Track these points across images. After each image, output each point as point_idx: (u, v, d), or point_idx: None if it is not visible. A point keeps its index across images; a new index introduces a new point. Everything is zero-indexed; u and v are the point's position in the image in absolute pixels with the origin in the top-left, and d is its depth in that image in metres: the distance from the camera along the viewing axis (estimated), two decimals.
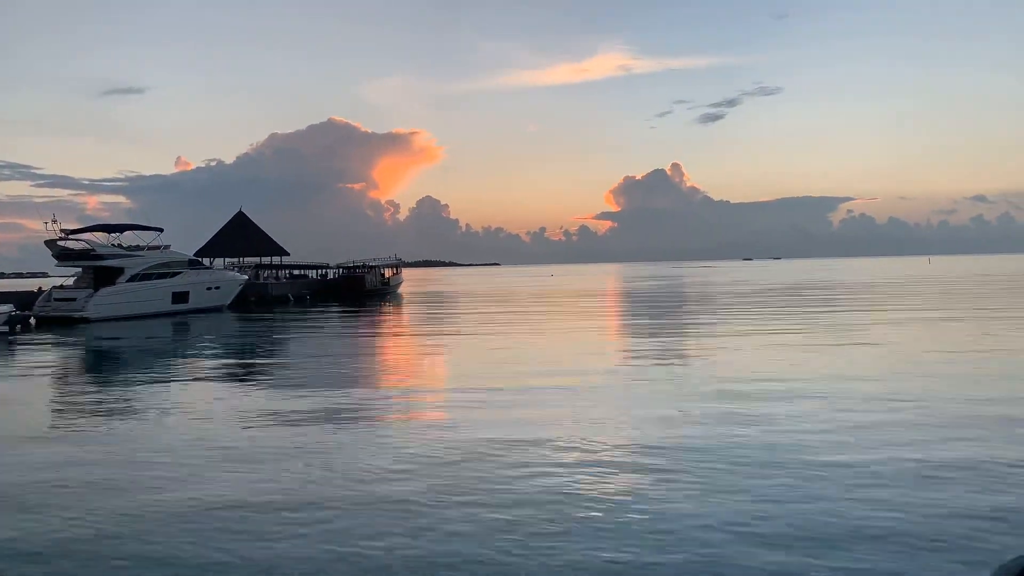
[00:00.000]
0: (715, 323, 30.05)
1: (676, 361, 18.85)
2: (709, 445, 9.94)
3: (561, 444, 10.24)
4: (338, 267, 71.22)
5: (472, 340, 26.14)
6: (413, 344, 26.41)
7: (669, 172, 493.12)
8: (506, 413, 12.52)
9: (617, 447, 10.02)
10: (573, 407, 12.81)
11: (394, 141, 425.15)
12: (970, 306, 34.72)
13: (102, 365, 22.90)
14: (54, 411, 14.42)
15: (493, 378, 16.69)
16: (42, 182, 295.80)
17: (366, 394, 15.00)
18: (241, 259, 68.67)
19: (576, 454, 9.71)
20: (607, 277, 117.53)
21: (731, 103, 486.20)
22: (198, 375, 18.96)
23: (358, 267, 70.09)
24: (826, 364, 17.23)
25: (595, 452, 9.77)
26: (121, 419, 13.07)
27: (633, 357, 20.28)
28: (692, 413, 12.08)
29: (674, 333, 26.46)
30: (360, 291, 64.63)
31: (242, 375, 19.18)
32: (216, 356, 23.76)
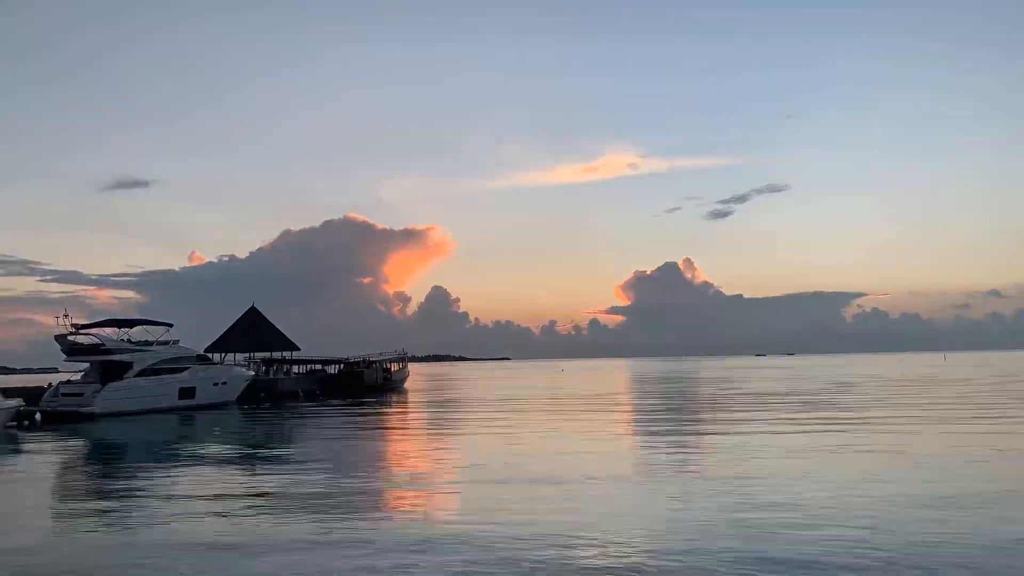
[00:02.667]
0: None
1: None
2: None
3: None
4: (337, 362, 71.50)
5: (466, 444, 26.10)
6: (398, 446, 26.38)
7: (681, 266, 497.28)
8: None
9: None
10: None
11: (408, 237, 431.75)
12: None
13: (100, 466, 22.95)
14: (47, 512, 14.49)
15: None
16: (50, 277, 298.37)
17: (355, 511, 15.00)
18: (252, 354, 69.09)
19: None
20: (617, 373, 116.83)
21: (740, 199, 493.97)
22: (195, 478, 19.01)
23: (357, 362, 70.41)
24: None
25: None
26: (106, 529, 13.14)
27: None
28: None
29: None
30: (359, 386, 64.99)
31: (238, 480, 19.19)
32: (216, 457, 23.79)
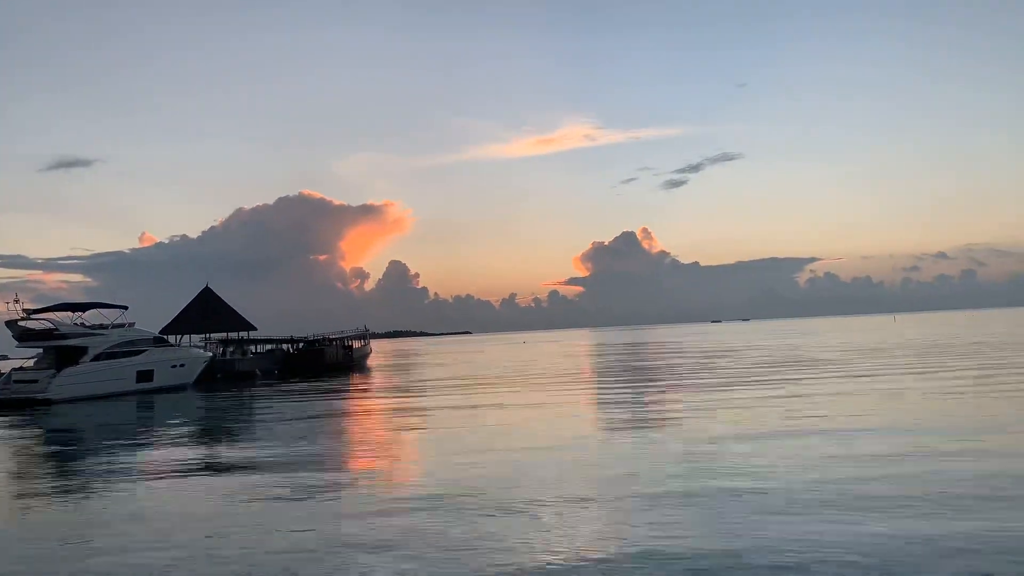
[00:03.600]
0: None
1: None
2: None
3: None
4: (298, 341, 71.04)
5: (429, 429, 26.51)
6: (359, 424, 26.71)
7: (639, 236, 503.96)
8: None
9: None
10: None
11: (365, 212, 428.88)
12: None
13: (55, 451, 22.90)
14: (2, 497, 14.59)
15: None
16: None
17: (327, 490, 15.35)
18: (208, 335, 68.47)
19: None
20: (578, 346, 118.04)
21: (694, 168, 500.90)
22: (156, 463, 19.15)
23: (317, 340, 70.07)
24: None
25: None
26: (65, 517, 13.32)
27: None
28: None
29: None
30: (320, 365, 64.81)
31: (203, 463, 19.39)
32: (176, 441, 23.87)
